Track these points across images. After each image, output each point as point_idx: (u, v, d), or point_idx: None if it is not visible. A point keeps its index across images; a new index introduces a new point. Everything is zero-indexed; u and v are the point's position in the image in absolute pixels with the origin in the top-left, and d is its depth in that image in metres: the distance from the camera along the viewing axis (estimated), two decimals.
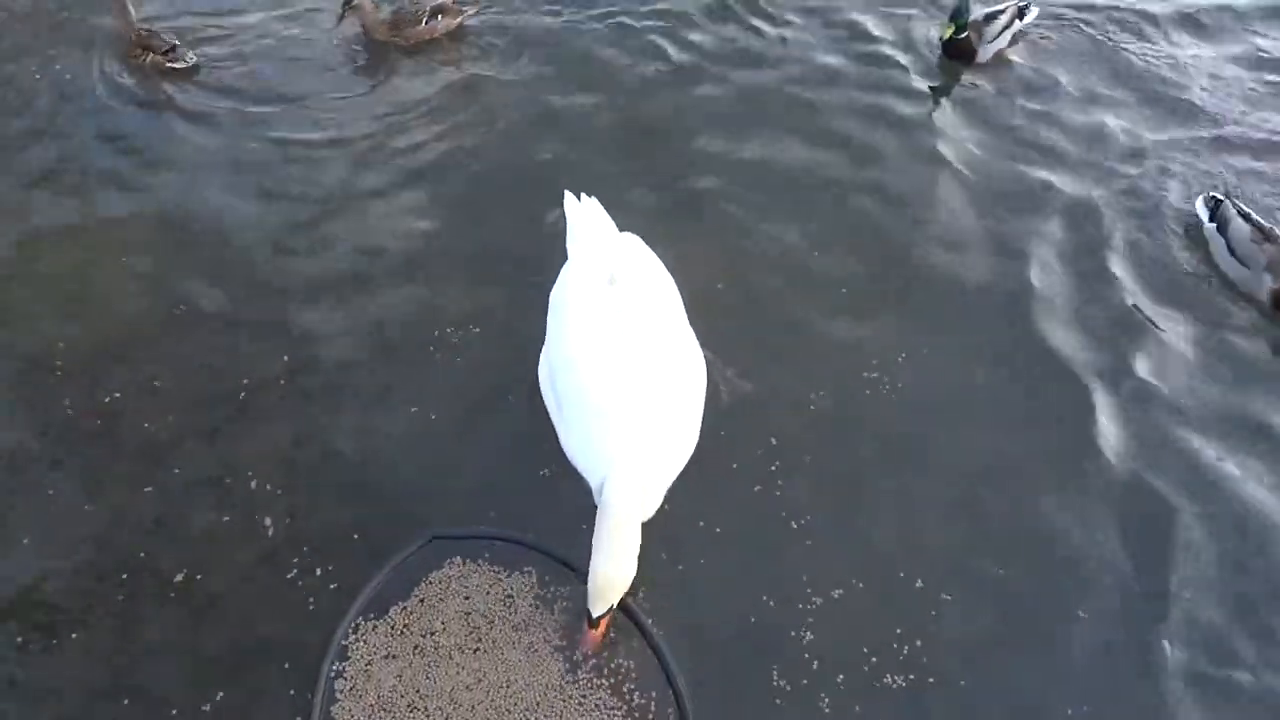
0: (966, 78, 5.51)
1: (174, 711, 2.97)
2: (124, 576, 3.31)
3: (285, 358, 4.00)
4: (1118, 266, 4.46)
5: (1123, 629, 3.20)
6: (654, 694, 3.00)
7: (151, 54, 5.56)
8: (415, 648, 3.08)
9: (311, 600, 3.23)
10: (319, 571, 3.31)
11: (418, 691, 2.98)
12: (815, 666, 3.08)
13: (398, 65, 5.68)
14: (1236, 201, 4.48)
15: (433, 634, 3.12)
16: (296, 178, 4.91)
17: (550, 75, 5.59)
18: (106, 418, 3.78)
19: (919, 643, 3.15)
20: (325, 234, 4.58)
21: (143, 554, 3.37)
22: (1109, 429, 3.76)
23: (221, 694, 3.01)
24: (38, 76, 5.53)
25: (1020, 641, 3.18)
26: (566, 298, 3.42)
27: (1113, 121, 5.25)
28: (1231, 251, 4.32)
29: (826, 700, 3.01)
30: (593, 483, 3.16)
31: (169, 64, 5.54)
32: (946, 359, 4.03)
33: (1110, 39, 5.89)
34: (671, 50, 5.79)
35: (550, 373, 3.39)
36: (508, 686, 2.98)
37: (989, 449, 3.71)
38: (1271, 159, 5.03)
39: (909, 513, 3.50)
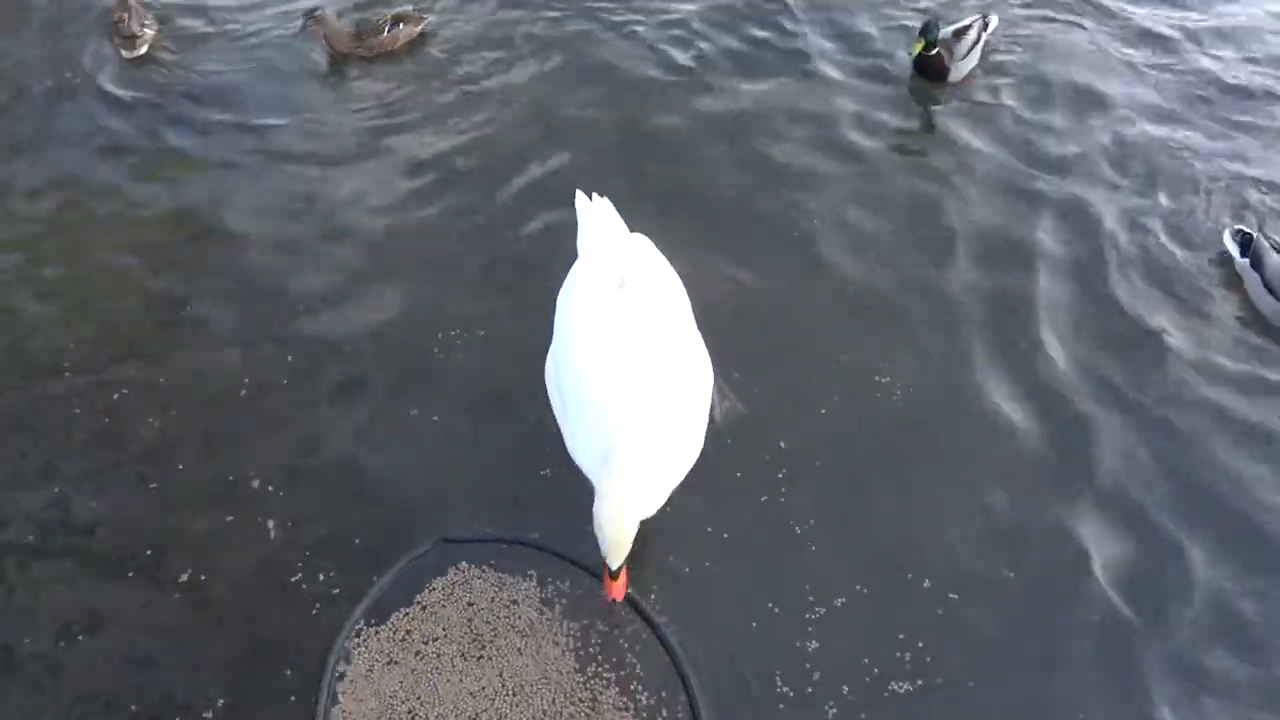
0: (943, 95, 5.42)
1: (176, 717, 2.97)
2: (129, 575, 3.31)
3: (289, 359, 4.00)
4: (1129, 284, 4.37)
5: (1132, 633, 3.17)
6: (663, 694, 2.99)
7: (119, 36, 5.68)
8: (417, 654, 3.07)
9: (314, 605, 3.22)
10: (321, 576, 3.30)
11: (419, 698, 2.97)
12: (819, 674, 3.05)
13: (394, 71, 5.66)
14: (1270, 235, 4.29)
15: (435, 640, 3.11)
16: (299, 183, 4.90)
17: (550, 81, 5.56)
18: (112, 418, 3.78)
19: (921, 644, 3.13)
20: (329, 238, 4.57)
21: (148, 553, 3.37)
22: (1120, 443, 3.71)
23: (222, 700, 3.01)
24: (34, 81, 5.56)
25: (1028, 646, 3.15)
26: (575, 299, 3.40)
27: (1112, 139, 5.14)
28: (1269, 289, 4.14)
29: (833, 708, 2.98)
30: (595, 482, 3.15)
31: (123, 52, 5.68)
32: (956, 365, 3.99)
33: (1098, 46, 5.79)
34: (677, 54, 5.74)
35: (556, 373, 3.38)
36: (514, 694, 2.97)
37: (997, 455, 3.67)
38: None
39: (916, 519, 3.47)
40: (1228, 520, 3.48)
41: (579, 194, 3.87)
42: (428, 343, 4.06)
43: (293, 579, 3.30)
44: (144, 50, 5.71)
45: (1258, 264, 4.24)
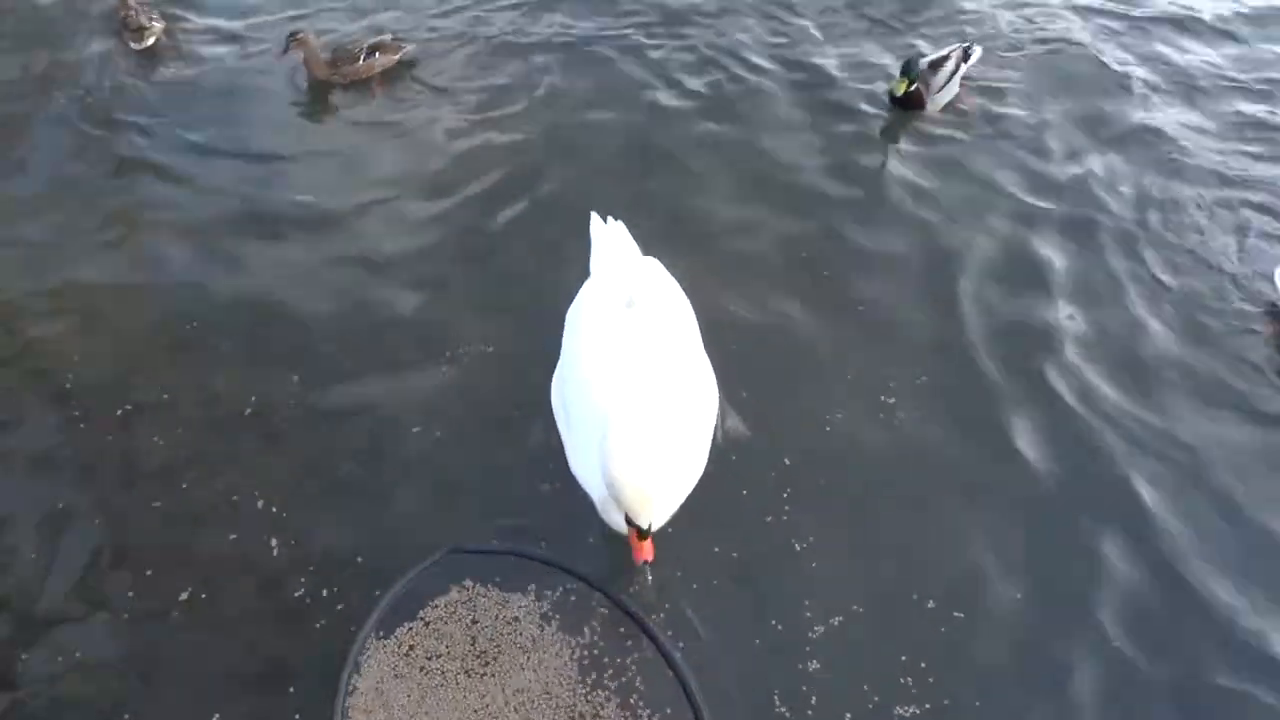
0: (929, 123, 5.49)
1: None
2: (130, 594, 3.31)
3: (294, 378, 4.02)
4: (1137, 310, 4.40)
5: (1139, 661, 3.17)
6: (667, 710, 2.98)
7: (126, 30, 5.97)
8: (422, 669, 3.06)
9: (318, 622, 3.22)
10: (324, 593, 3.30)
11: (426, 714, 2.96)
12: (818, 698, 3.04)
13: (397, 91, 5.76)
14: None
15: (439, 656, 3.10)
16: (308, 201, 4.96)
17: (548, 107, 5.65)
18: (117, 436, 3.79)
19: (923, 664, 3.13)
20: (333, 258, 4.61)
21: (148, 572, 3.37)
22: (1128, 469, 3.72)
23: (222, 716, 3.00)
24: (38, 95, 5.65)
25: (1034, 671, 3.14)
26: (583, 317, 3.45)
27: (1101, 169, 5.21)
28: None
29: None
30: (595, 498, 3.18)
31: (131, 44, 5.97)
32: (962, 386, 4.02)
33: (1081, 77, 5.91)
34: (685, 79, 5.85)
35: (562, 389, 3.42)
36: (516, 711, 2.96)
37: (1002, 476, 3.69)
38: None
39: (920, 539, 3.48)
40: (1241, 554, 3.46)
41: (594, 216, 3.93)
42: (433, 362, 4.08)
43: (295, 595, 3.30)
44: (152, 41, 5.97)
45: None
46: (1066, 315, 4.34)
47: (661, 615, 3.23)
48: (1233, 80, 5.90)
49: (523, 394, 3.84)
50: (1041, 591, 3.34)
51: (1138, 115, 5.58)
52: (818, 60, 6.02)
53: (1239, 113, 5.61)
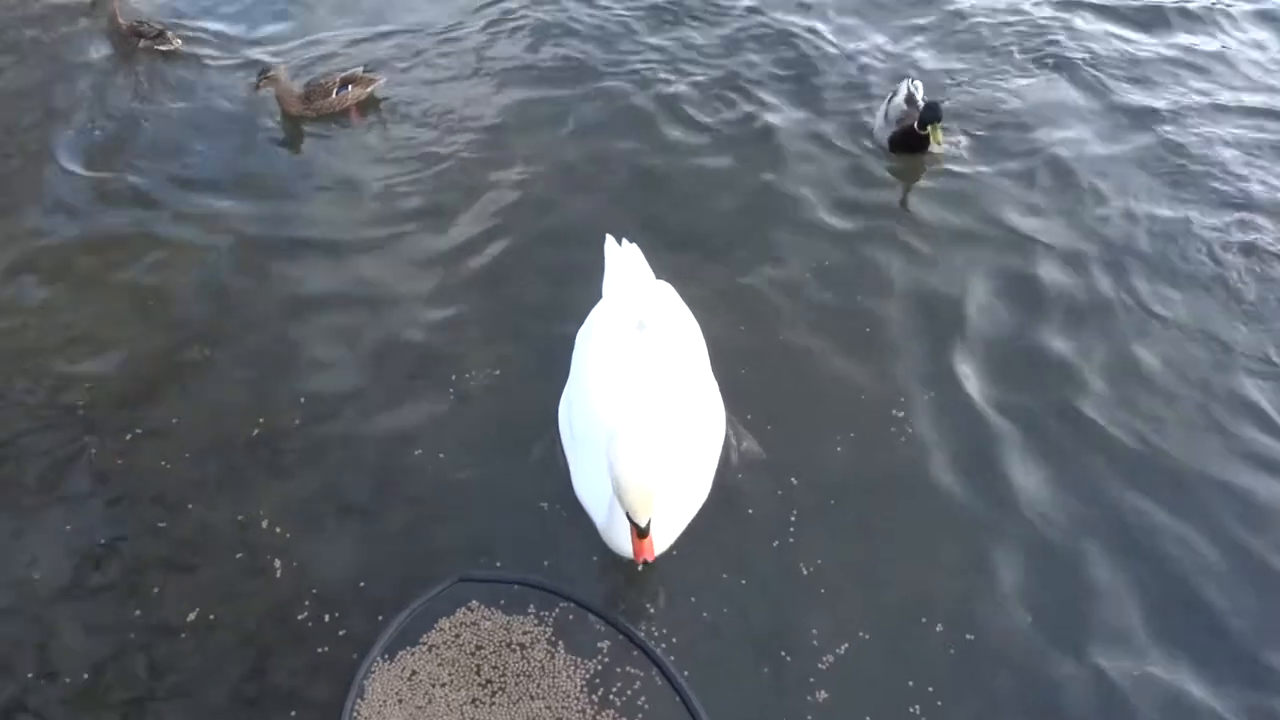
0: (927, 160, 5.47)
1: None
2: (136, 614, 3.31)
3: (301, 400, 4.04)
4: (1154, 344, 4.36)
5: (1150, 680, 3.14)
6: None
7: (143, 39, 6.16)
8: (426, 696, 3.04)
9: (321, 647, 3.21)
10: (327, 618, 3.29)
11: None
12: None
13: (400, 121, 5.82)
14: None
15: (443, 685, 3.08)
16: (318, 225, 5.00)
17: (561, 134, 5.69)
18: (125, 459, 3.80)
19: (930, 688, 3.10)
20: (341, 284, 4.64)
21: (155, 590, 3.38)
22: (1141, 494, 3.70)
23: None
24: (43, 122, 5.73)
25: (1043, 696, 3.11)
26: (593, 339, 3.47)
27: (1110, 197, 5.21)
28: None
29: None
30: (599, 522, 3.16)
31: (158, 47, 6.17)
32: (971, 409, 4.01)
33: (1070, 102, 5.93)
34: (692, 110, 5.88)
35: (569, 410, 3.43)
36: None
37: (1013, 499, 3.67)
38: None
39: (929, 562, 3.46)
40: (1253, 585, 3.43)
41: (609, 238, 3.95)
42: (440, 387, 4.09)
43: (299, 618, 3.29)
44: (178, 44, 6.21)
45: None
46: (1072, 343, 4.33)
47: (669, 643, 3.20)
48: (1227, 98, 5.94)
49: (530, 418, 3.83)
50: (1051, 614, 3.31)
51: (1141, 138, 5.60)
52: (826, 93, 6.05)
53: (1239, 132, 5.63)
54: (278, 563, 3.46)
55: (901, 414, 3.97)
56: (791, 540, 3.51)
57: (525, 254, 4.79)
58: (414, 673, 3.11)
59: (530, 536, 3.51)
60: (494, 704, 3.03)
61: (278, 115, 5.77)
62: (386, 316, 4.44)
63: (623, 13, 6.82)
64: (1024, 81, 6.15)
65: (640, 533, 2.89)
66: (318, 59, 6.39)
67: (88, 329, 4.39)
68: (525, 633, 3.21)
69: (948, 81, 6.13)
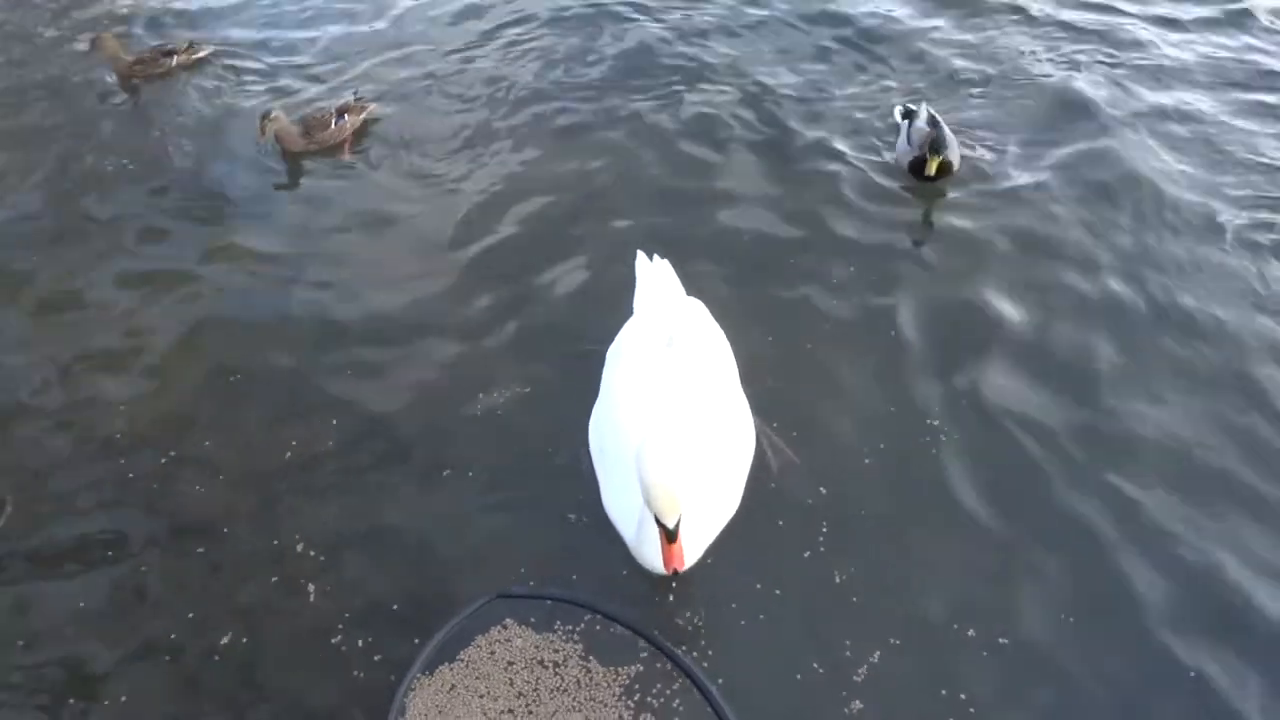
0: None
1: None
2: (172, 637, 3.34)
3: (334, 422, 4.08)
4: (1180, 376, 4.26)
5: (1195, 681, 3.10)
6: None
7: (175, 56, 6.53)
8: (465, 706, 3.05)
9: (355, 670, 3.22)
10: (360, 642, 3.30)
11: None
12: None
13: (417, 142, 5.91)
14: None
15: (481, 696, 3.09)
16: (344, 253, 5.08)
17: (587, 152, 5.75)
18: (161, 485, 3.86)
19: (963, 695, 3.06)
20: (372, 307, 4.70)
21: (190, 615, 3.41)
22: (1174, 508, 3.64)
23: None
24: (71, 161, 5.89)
25: (1081, 697, 3.07)
26: (623, 354, 3.49)
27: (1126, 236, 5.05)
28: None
29: None
30: (628, 537, 3.16)
31: (195, 57, 6.61)
32: (1004, 416, 3.99)
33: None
34: (716, 130, 5.92)
35: (599, 426, 3.44)
36: None
37: (1046, 505, 3.64)
38: None
39: (962, 572, 3.43)
40: None
41: (639, 255, 3.98)
42: (470, 407, 4.11)
43: (333, 641, 3.30)
44: (205, 51, 6.67)
45: None
46: (1107, 354, 4.27)
47: (702, 654, 3.19)
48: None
49: (560, 436, 3.85)
50: (1087, 622, 3.26)
51: (1144, 159, 5.54)
52: (849, 110, 6.07)
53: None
54: (312, 586, 3.48)
55: (932, 423, 3.95)
56: (823, 549, 3.50)
57: (551, 273, 4.82)
58: (453, 686, 3.12)
59: (561, 553, 3.52)
60: (531, 715, 3.02)
61: (277, 153, 5.85)
62: (415, 340, 4.49)
63: (643, 34, 6.91)
64: (1046, 90, 6.13)
65: (669, 536, 2.86)
66: (323, 92, 6.51)
67: (123, 360, 4.48)
68: (556, 650, 3.20)
69: (970, 93, 6.14)
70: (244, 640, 3.33)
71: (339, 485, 3.84)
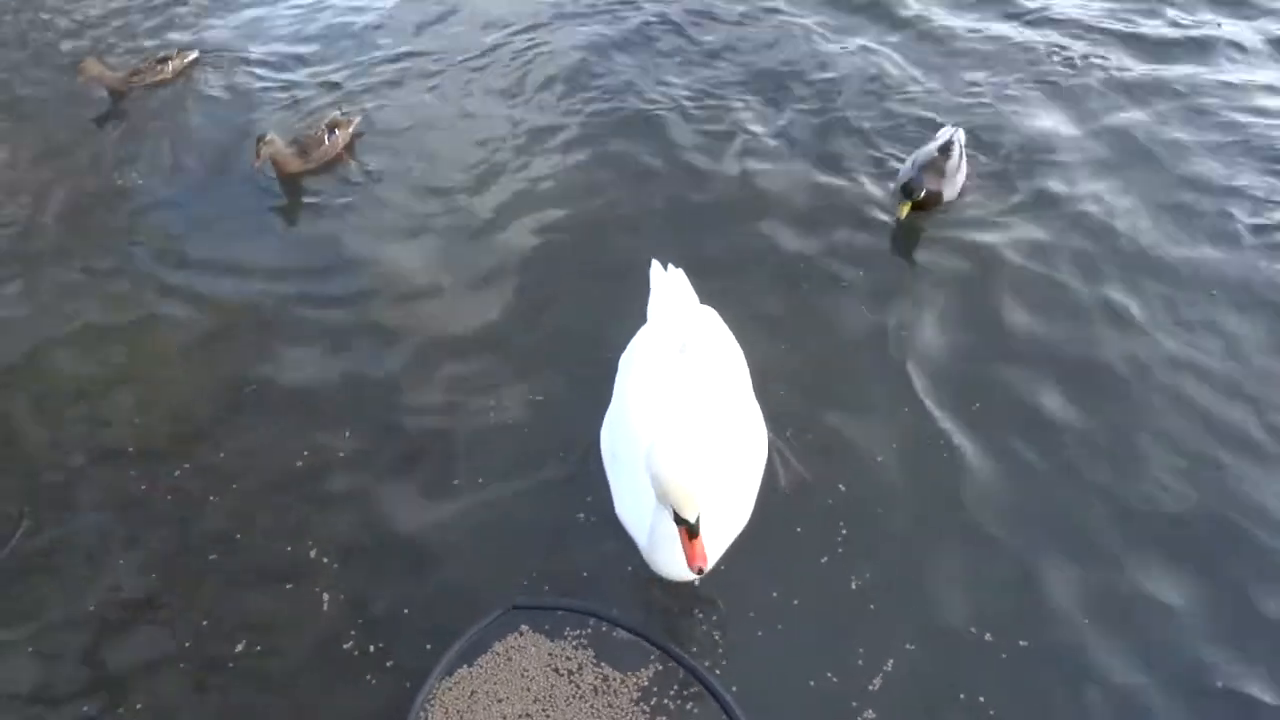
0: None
1: None
2: (186, 645, 3.33)
3: (346, 434, 4.09)
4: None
5: (1215, 692, 3.07)
6: None
7: (171, 61, 6.67)
8: (484, 712, 3.04)
9: (369, 678, 3.21)
10: (372, 649, 3.29)
11: None
12: None
13: (427, 153, 5.92)
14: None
15: (499, 700, 3.08)
16: (354, 266, 5.09)
17: (599, 163, 5.75)
18: (175, 495, 3.87)
19: (981, 698, 3.04)
20: (382, 320, 4.70)
21: (204, 623, 3.41)
22: (1197, 514, 3.62)
23: None
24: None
25: (1099, 701, 3.05)
26: (636, 361, 3.50)
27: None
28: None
29: None
30: (641, 543, 3.15)
31: (187, 60, 6.77)
32: (1020, 419, 3.98)
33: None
34: (730, 143, 5.92)
35: (611, 432, 3.44)
36: None
37: (1060, 509, 3.63)
38: None
39: (978, 576, 3.41)
40: None
41: (654, 263, 4.00)
42: (481, 416, 4.12)
43: (345, 648, 3.30)
44: (194, 55, 6.83)
45: None
46: (1120, 361, 4.27)
47: (716, 661, 3.18)
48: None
49: (572, 443, 3.86)
50: (1105, 627, 3.25)
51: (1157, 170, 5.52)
52: (864, 124, 6.04)
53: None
54: (325, 595, 3.48)
55: (946, 428, 3.95)
56: (840, 553, 3.49)
57: (564, 283, 4.83)
58: (472, 693, 3.11)
59: (573, 561, 3.51)
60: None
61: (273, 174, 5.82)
62: (426, 350, 4.50)
63: (655, 45, 6.93)
64: (1041, 111, 6.11)
65: (691, 532, 2.80)
66: (325, 105, 6.51)
67: (135, 374, 4.50)
68: (569, 657, 3.19)
69: (975, 104, 6.15)
70: (257, 649, 3.32)
71: (352, 494, 3.85)
